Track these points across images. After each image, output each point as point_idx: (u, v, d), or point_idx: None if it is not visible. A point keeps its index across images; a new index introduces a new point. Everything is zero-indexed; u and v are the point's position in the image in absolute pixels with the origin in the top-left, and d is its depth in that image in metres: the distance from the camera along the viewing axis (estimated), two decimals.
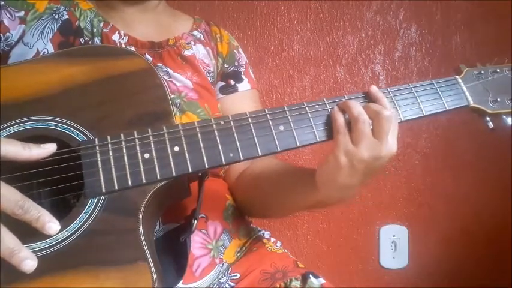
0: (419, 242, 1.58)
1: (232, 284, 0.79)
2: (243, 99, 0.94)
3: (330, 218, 1.54)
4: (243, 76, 0.95)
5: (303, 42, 1.49)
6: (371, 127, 0.65)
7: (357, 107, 0.66)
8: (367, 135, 0.64)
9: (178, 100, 0.83)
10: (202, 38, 0.93)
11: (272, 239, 0.90)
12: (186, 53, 0.88)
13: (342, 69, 1.51)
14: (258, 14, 1.46)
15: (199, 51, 0.90)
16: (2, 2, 0.83)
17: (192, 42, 0.91)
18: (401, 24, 1.51)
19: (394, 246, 1.57)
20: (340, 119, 0.66)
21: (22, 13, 0.83)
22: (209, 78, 0.90)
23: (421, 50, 1.53)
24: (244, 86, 0.95)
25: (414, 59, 1.53)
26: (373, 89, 0.69)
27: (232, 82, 0.94)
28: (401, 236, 1.57)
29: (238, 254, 0.83)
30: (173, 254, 0.71)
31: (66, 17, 0.84)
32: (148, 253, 0.59)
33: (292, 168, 0.88)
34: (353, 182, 0.66)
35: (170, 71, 0.84)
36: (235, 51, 0.97)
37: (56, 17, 0.84)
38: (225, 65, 0.94)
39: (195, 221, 0.71)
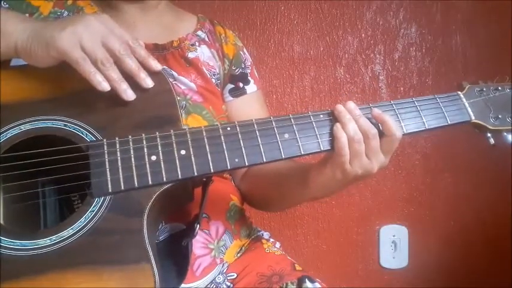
0: (419, 242, 1.58)
1: (229, 284, 0.79)
2: (251, 101, 0.95)
3: (330, 218, 1.54)
4: (249, 78, 0.96)
5: (303, 42, 1.49)
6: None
7: (352, 125, 0.68)
8: (362, 155, 0.69)
9: (184, 102, 0.83)
10: (206, 38, 0.93)
11: (271, 240, 0.90)
12: (190, 55, 0.88)
13: (342, 69, 1.51)
14: (258, 14, 1.46)
15: (203, 54, 0.90)
16: (6, 5, 0.82)
17: (197, 43, 0.90)
18: (401, 24, 1.51)
19: (394, 246, 1.57)
20: (342, 137, 0.68)
21: (26, 16, 0.82)
22: (214, 80, 0.90)
23: (421, 50, 1.53)
24: (251, 87, 0.96)
25: (414, 59, 1.53)
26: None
27: (241, 85, 0.95)
28: (401, 236, 1.57)
29: (238, 255, 0.84)
30: (175, 257, 0.71)
31: None
32: (151, 254, 0.59)
33: (291, 162, 0.88)
34: (346, 186, 0.74)
35: (175, 74, 0.85)
36: (241, 52, 0.97)
37: None
38: (233, 67, 0.94)
39: (198, 226, 0.72)
